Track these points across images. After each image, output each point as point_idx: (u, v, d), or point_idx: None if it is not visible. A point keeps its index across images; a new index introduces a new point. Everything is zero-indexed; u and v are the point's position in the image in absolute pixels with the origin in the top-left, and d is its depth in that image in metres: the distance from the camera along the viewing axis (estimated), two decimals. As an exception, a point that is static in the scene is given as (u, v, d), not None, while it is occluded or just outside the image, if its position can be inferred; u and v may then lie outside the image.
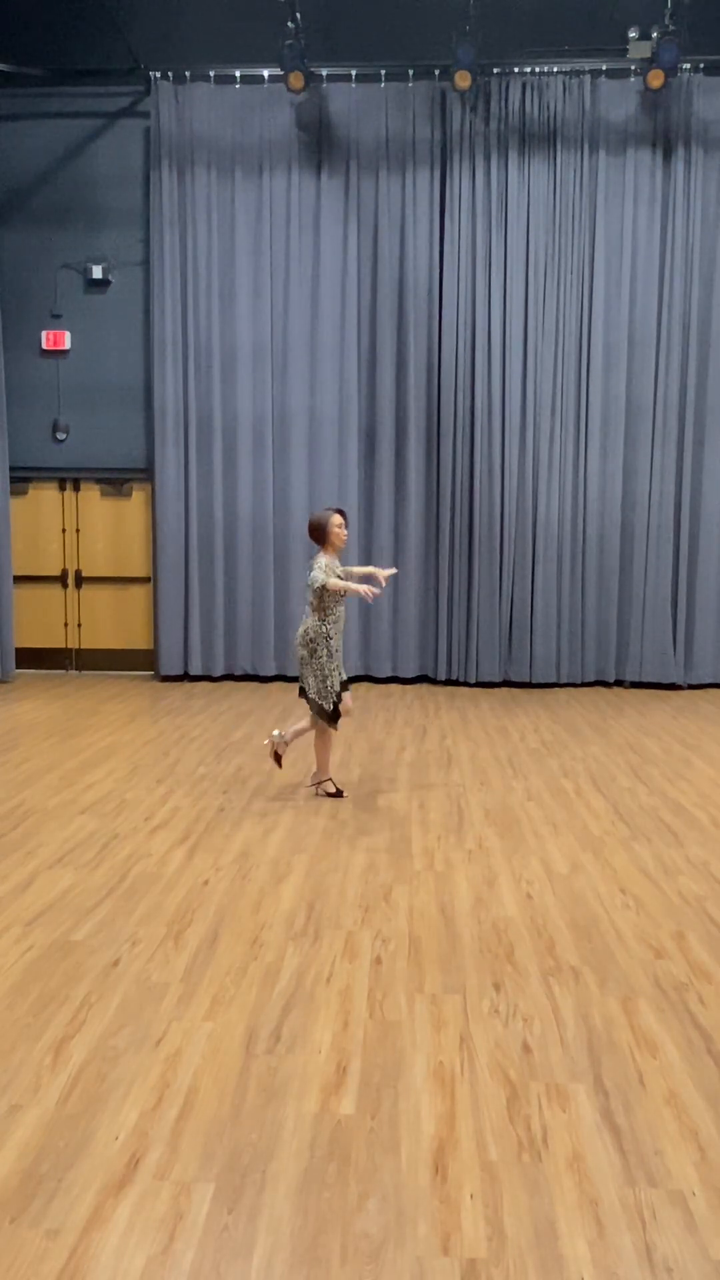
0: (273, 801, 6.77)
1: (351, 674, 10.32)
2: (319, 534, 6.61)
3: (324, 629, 6.58)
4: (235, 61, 11.12)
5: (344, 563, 6.93)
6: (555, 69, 10.97)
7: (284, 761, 7.41)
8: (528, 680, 11.54)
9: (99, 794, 6.91)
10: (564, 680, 11.57)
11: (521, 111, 11.09)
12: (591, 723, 9.57)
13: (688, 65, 10.78)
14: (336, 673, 6.67)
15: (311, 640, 6.61)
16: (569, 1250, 2.65)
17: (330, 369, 11.48)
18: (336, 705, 6.67)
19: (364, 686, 11.34)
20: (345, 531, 6.63)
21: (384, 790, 7.07)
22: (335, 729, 6.83)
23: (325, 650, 6.60)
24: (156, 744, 8.49)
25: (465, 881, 5.30)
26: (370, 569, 6.98)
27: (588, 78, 11.01)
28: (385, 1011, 3.90)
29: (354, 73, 11.08)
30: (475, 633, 11.52)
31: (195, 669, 11.76)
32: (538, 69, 10.97)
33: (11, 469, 11.78)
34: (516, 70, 10.98)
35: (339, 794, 6.87)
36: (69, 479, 12.15)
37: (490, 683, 11.59)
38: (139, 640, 12.22)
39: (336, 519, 6.60)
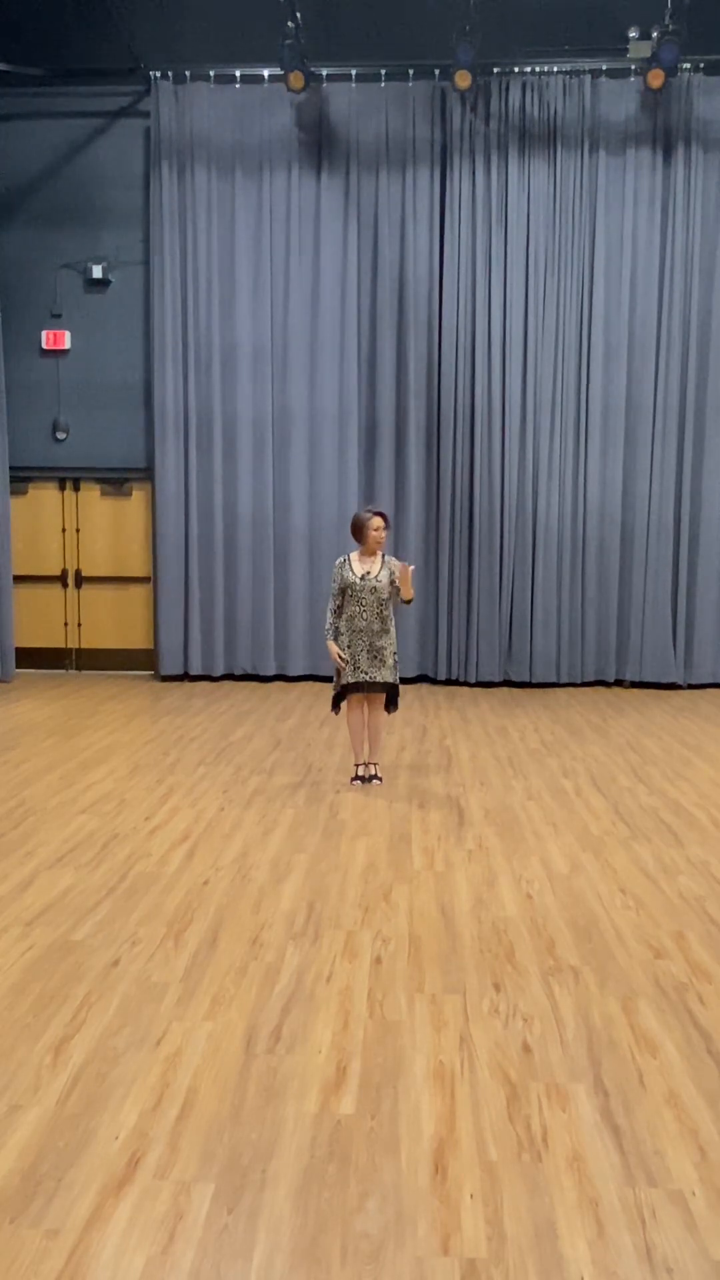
0: (273, 801, 6.77)
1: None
2: (357, 533, 6.96)
3: (340, 625, 6.98)
4: (235, 61, 11.11)
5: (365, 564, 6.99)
6: (555, 69, 10.97)
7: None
8: (528, 680, 11.54)
9: (99, 794, 6.91)
10: (564, 680, 11.57)
11: (521, 111, 11.09)
12: (591, 723, 9.57)
13: (688, 65, 10.78)
14: (345, 669, 6.99)
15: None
16: (569, 1250, 2.65)
17: (330, 369, 11.48)
18: (337, 697, 7.17)
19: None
20: (382, 534, 6.95)
21: (384, 790, 7.07)
22: (334, 712, 7.35)
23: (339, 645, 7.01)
24: (156, 744, 8.48)
25: (465, 881, 5.30)
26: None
27: (588, 78, 11.01)
28: (385, 1011, 3.90)
29: (354, 73, 11.08)
30: (475, 632, 11.52)
31: (195, 669, 11.76)
32: (538, 69, 10.98)
33: (11, 469, 11.77)
34: (516, 70, 10.98)
35: (354, 779, 7.24)
36: (69, 479, 12.15)
37: (490, 682, 11.59)
38: (139, 640, 12.22)
39: (375, 521, 6.91)
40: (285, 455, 11.61)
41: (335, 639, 6.97)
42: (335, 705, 7.25)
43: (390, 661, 6.99)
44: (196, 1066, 3.50)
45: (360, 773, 7.25)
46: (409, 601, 6.88)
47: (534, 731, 9.13)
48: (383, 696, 7.11)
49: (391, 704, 7.18)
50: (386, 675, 6.96)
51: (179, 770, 7.59)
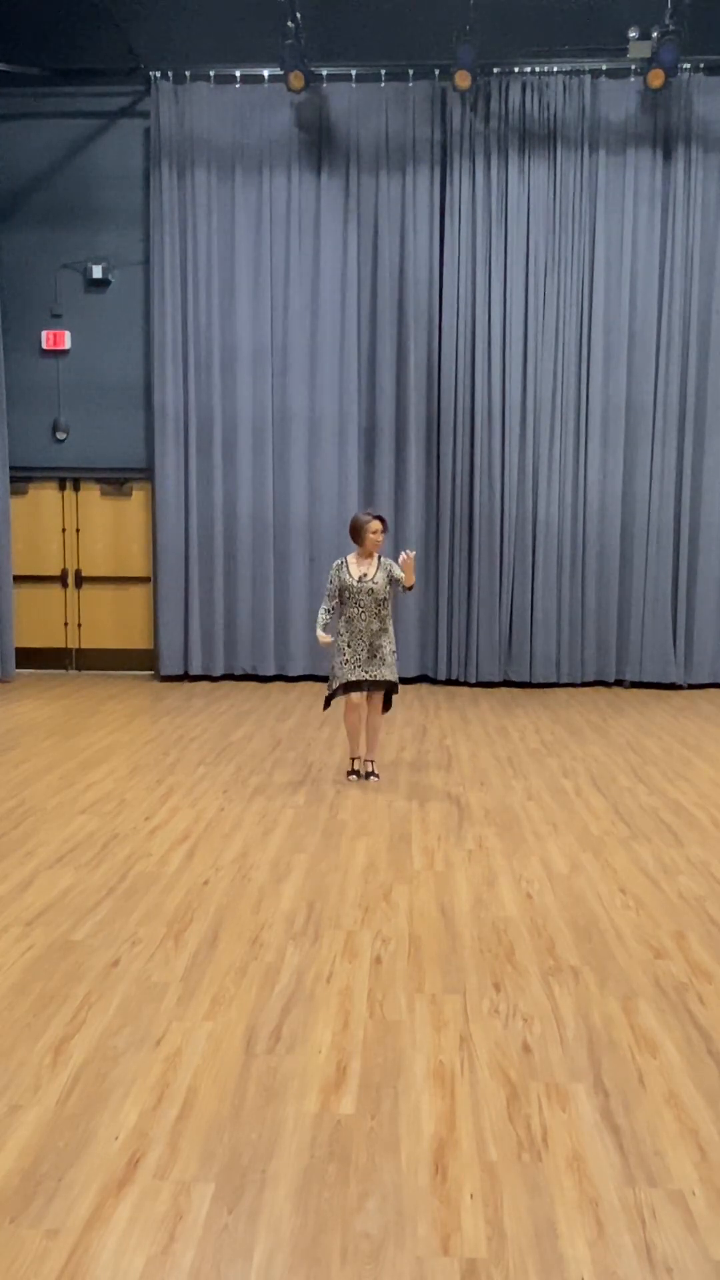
0: (273, 801, 6.77)
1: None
2: (355, 535, 7.06)
3: (337, 624, 7.05)
4: (235, 61, 11.12)
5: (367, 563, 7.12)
6: (555, 69, 10.97)
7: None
8: (528, 680, 11.54)
9: (99, 794, 6.91)
10: (564, 680, 11.57)
11: (521, 111, 11.09)
12: (591, 723, 9.57)
13: (688, 65, 10.78)
14: (342, 668, 7.05)
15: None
16: (569, 1250, 2.65)
17: (330, 369, 11.47)
18: (331, 695, 7.21)
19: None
20: (380, 537, 7.04)
21: (384, 790, 7.07)
22: (324, 710, 7.63)
23: (337, 645, 7.05)
24: (156, 744, 8.49)
25: (465, 881, 5.30)
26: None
27: (588, 78, 11.01)
28: (385, 1011, 3.90)
29: (354, 73, 11.08)
30: (475, 632, 11.52)
31: (195, 669, 11.76)
32: (538, 69, 10.97)
33: (11, 469, 11.78)
34: (516, 70, 10.98)
35: (350, 774, 7.31)
36: (69, 479, 12.15)
37: (490, 683, 11.59)
38: (139, 640, 12.22)
39: (374, 525, 7.00)
40: (285, 455, 11.61)
41: (323, 629, 7.08)
42: (327, 703, 7.32)
43: (390, 660, 7.07)
44: (196, 1066, 3.50)
45: (356, 768, 7.30)
46: (410, 588, 6.98)
47: (534, 731, 9.13)
48: (381, 695, 7.16)
49: (386, 704, 7.23)
50: (387, 673, 7.04)
51: (179, 770, 7.59)
